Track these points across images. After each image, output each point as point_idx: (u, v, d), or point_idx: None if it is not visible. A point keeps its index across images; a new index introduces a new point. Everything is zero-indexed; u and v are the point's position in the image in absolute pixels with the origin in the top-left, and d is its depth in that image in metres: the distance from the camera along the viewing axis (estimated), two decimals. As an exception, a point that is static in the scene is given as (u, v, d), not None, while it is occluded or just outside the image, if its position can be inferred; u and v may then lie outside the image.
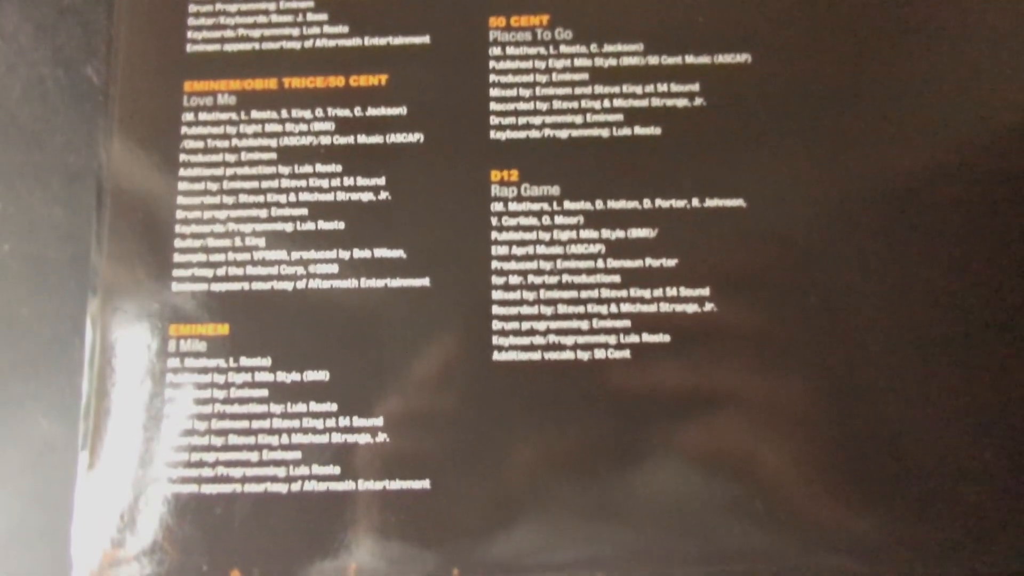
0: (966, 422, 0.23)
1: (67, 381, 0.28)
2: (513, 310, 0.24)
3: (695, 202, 0.24)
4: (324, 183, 0.25)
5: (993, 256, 0.24)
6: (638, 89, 0.25)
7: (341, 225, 0.25)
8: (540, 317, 0.24)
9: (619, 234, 0.24)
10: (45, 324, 0.28)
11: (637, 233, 0.24)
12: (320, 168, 0.25)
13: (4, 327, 0.28)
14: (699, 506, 0.23)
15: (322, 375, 0.24)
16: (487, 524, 0.23)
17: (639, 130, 0.25)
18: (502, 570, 0.23)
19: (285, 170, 0.25)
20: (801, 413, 0.23)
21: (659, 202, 0.24)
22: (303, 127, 0.25)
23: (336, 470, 0.23)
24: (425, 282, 0.24)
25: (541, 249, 0.24)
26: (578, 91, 0.25)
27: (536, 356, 0.24)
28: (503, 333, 0.24)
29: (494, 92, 0.25)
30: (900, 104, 0.25)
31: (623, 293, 0.24)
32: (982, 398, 0.23)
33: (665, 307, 0.24)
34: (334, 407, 0.24)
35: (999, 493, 0.23)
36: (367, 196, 0.25)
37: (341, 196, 0.25)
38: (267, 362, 0.24)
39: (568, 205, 0.24)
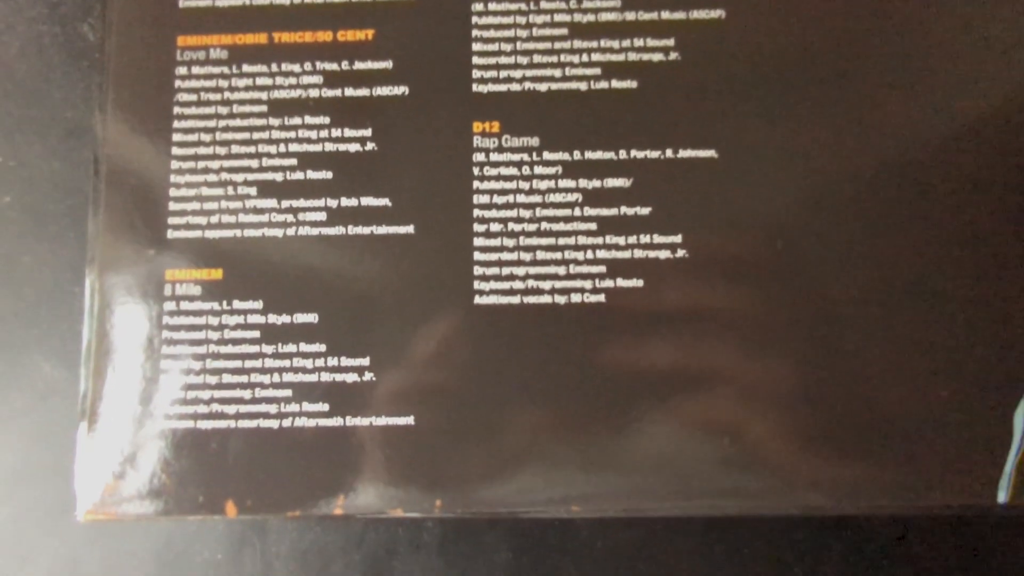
0: (927, 370, 0.24)
1: (68, 327, 0.29)
2: (494, 256, 0.25)
3: (669, 153, 0.25)
4: (313, 134, 0.26)
5: (962, 225, 0.25)
6: (615, 44, 0.26)
7: (329, 175, 0.25)
8: (519, 263, 0.25)
9: (596, 183, 0.25)
10: (46, 273, 0.29)
11: (613, 183, 0.25)
12: (309, 120, 0.26)
13: (6, 276, 0.29)
14: (672, 447, 0.24)
15: (311, 317, 0.25)
16: (468, 459, 0.24)
17: (616, 83, 0.25)
18: (482, 503, 0.24)
19: (275, 122, 0.26)
20: (771, 356, 0.24)
21: (634, 153, 0.25)
22: (292, 80, 0.26)
23: (325, 407, 0.24)
24: (410, 229, 0.25)
25: (521, 198, 0.25)
26: (557, 46, 0.26)
27: (515, 300, 0.25)
28: (484, 278, 0.25)
29: (477, 47, 0.26)
30: (878, 66, 0.25)
31: (599, 240, 0.25)
32: (942, 351, 0.24)
33: (639, 253, 0.25)
34: (323, 348, 0.25)
35: (952, 435, 0.24)
36: (354, 147, 0.26)
37: (329, 147, 0.26)
38: (259, 305, 0.25)
39: (547, 155, 0.25)
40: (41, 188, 0.30)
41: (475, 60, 0.26)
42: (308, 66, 0.26)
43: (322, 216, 0.25)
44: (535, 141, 0.25)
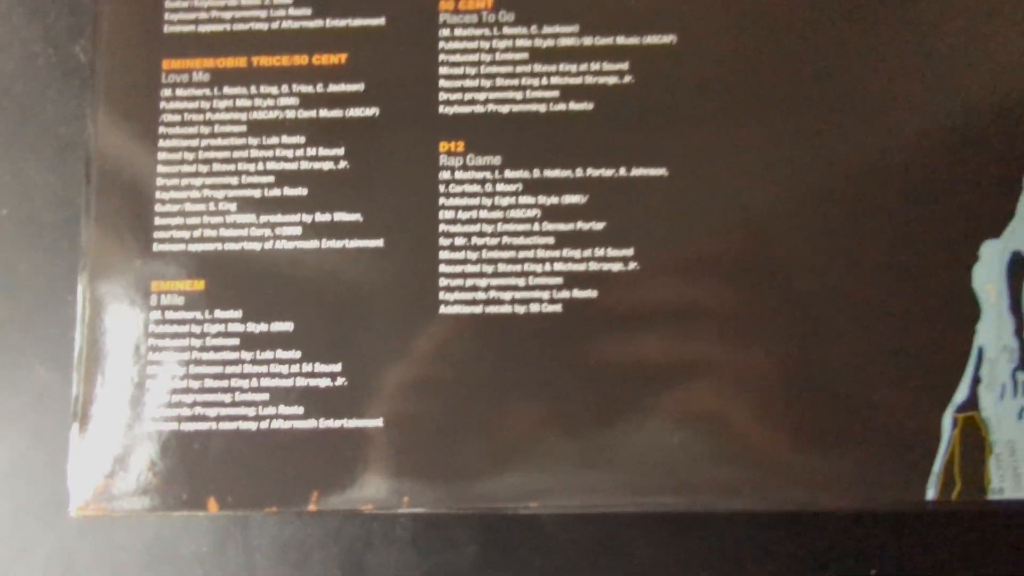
0: (863, 376, 0.25)
1: (61, 333, 0.30)
2: (458, 268, 0.26)
3: (622, 171, 0.26)
4: (289, 153, 0.27)
5: (898, 241, 0.26)
6: (573, 68, 0.27)
7: (304, 191, 0.27)
8: (482, 275, 0.26)
9: (554, 200, 0.26)
10: (40, 281, 0.31)
11: (570, 199, 0.26)
12: (285, 139, 0.27)
13: (4, 284, 0.31)
14: (628, 446, 0.25)
15: (287, 326, 0.26)
16: (433, 458, 0.25)
17: (573, 105, 0.27)
18: (447, 499, 0.25)
19: (254, 141, 0.27)
20: (720, 362, 0.25)
21: (590, 171, 0.26)
22: (270, 102, 0.27)
23: (300, 410, 0.26)
24: (379, 243, 0.26)
25: (484, 213, 0.26)
26: (519, 69, 0.27)
27: (478, 309, 0.26)
28: (449, 289, 0.26)
29: (443, 70, 0.27)
30: (824, 88, 0.26)
31: (556, 253, 0.26)
32: (876, 358, 0.25)
33: (593, 266, 0.26)
34: (298, 354, 0.26)
35: (886, 436, 0.25)
36: (328, 165, 0.27)
37: (304, 165, 0.27)
38: (238, 314, 0.26)
39: (509, 174, 0.26)
40: (36, 200, 0.31)
41: (441, 83, 0.27)
42: (285, 88, 0.27)
43: (298, 231, 0.27)
44: (497, 160, 0.27)
